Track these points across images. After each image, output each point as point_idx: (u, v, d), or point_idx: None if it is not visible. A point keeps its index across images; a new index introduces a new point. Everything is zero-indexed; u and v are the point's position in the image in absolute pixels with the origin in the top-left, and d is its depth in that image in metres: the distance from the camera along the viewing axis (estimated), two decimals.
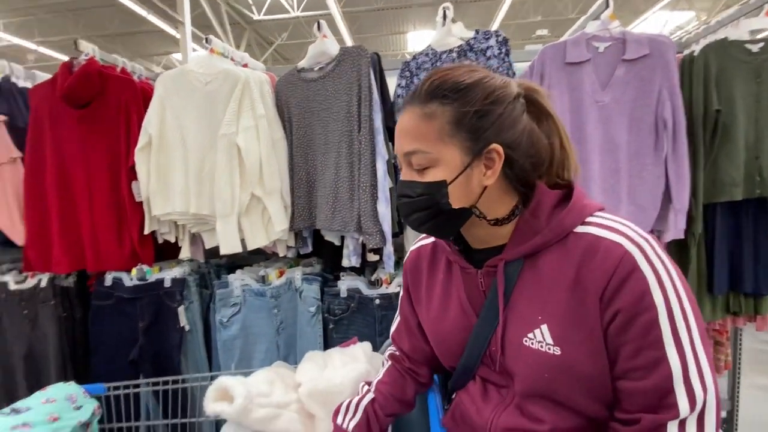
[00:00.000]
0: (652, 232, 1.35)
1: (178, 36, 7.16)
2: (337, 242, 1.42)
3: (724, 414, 1.86)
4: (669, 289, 0.52)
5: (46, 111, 1.47)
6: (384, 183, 1.24)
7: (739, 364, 1.77)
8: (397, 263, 1.63)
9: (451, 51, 1.32)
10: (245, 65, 1.57)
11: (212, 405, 0.78)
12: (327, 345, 1.38)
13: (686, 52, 1.41)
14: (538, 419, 0.60)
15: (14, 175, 1.47)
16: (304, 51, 1.40)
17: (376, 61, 1.31)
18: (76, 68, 1.45)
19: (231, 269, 1.58)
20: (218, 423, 1.33)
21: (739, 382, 1.78)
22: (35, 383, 1.45)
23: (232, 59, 1.52)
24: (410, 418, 0.85)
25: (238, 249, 1.36)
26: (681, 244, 1.41)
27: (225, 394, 0.81)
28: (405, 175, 0.62)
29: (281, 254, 1.49)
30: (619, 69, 1.28)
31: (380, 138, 1.24)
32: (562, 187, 0.63)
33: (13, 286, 1.54)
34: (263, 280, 1.49)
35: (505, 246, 0.62)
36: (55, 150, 1.47)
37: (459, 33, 1.32)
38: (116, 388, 1.13)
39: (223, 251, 1.35)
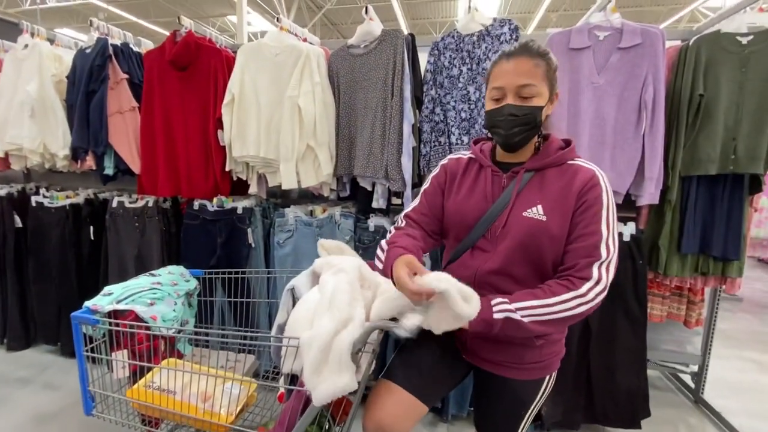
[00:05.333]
0: (628, 195, 1.62)
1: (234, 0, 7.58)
2: (369, 188, 1.80)
3: (695, 369, 2.12)
4: (609, 198, 0.93)
5: (156, 72, 1.92)
6: (408, 141, 1.59)
7: (714, 323, 2.00)
8: None
9: (472, 35, 1.60)
10: (305, 39, 1.93)
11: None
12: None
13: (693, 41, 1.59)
14: (510, 266, 0.96)
15: (133, 120, 1.96)
16: (351, 16, 1.72)
17: (410, 41, 1.62)
18: (179, 39, 1.87)
19: (284, 206, 2.02)
20: (271, 306, 1.81)
21: (712, 340, 2.02)
22: None
23: (295, 35, 1.88)
24: None
25: (295, 186, 1.78)
26: (657, 208, 1.67)
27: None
28: (511, 102, 0.93)
29: (325, 195, 1.89)
30: (614, 55, 1.52)
31: (408, 105, 1.58)
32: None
33: (128, 204, 2.07)
34: (311, 213, 1.92)
35: (524, 163, 0.99)
36: (162, 103, 1.93)
37: (481, 20, 1.60)
38: (209, 273, 1.60)
39: (284, 186, 1.78)
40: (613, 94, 1.53)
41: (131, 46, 2.04)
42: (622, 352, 1.62)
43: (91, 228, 2.20)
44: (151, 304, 1.31)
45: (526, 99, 0.93)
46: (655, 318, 1.88)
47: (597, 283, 0.88)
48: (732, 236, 1.62)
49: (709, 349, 2.05)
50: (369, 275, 1.15)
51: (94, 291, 2.17)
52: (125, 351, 1.24)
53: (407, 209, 1.14)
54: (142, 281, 1.37)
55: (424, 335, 0.92)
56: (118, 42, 2.03)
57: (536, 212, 0.94)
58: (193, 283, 1.54)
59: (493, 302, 0.90)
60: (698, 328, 1.98)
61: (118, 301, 1.25)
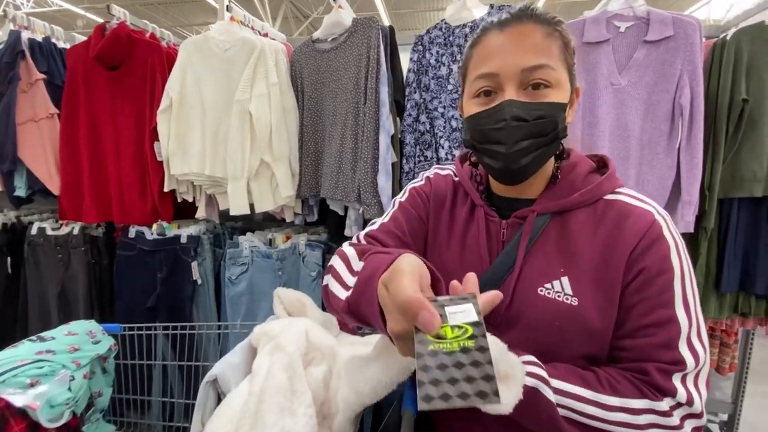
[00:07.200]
0: None
1: (216, 6, 7.26)
2: (341, 212, 1.47)
3: (725, 417, 1.82)
4: (683, 257, 0.56)
5: (81, 71, 1.57)
6: (386, 156, 1.27)
7: (747, 368, 1.71)
8: None
9: (464, 26, 1.30)
10: (265, 35, 1.61)
11: None
12: (325, 308, 1.45)
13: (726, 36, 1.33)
14: None
15: (51, 130, 1.60)
16: None
17: (387, 34, 1.31)
18: (108, 31, 1.54)
19: (244, 232, 1.67)
20: None
21: (744, 387, 1.73)
22: (66, 319, 1.60)
23: (252, 28, 1.56)
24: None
25: (246, 210, 1.44)
26: (691, 237, 1.37)
27: None
28: (513, 96, 0.55)
29: (288, 220, 1.56)
30: (639, 51, 1.23)
31: (385, 111, 1.26)
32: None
33: (50, 232, 1.70)
34: (270, 243, 1.58)
35: (535, 200, 0.63)
36: (87, 108, 1.58)
37: (473, 8, 1.30)
38: (131, 329, 1.25)
39: (232, 212, 1.43)
40: (638, 98, 1.23)
41: (55, 41, 1.69)
42: None
43: (9, 260, 1.82)
44: (32, 385, 0.95)
45: (537, 94, 0.55)
46: None
47: (684, 404, 0.52)
48: None
49: (742, 396, 1.76)
50: (321, 341, 0.81)
51: (11, 339, 1.76)
52: None
53: (371, 227, 0.71)
54: (21, 351, 1.00)
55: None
56: (39, 37, 1.68)
57: (559, 289, 0.57)
58: (107, 344, 1.17)
59: (522, 358, 0.53)
60: (731, 373, 1.69)
61: None
